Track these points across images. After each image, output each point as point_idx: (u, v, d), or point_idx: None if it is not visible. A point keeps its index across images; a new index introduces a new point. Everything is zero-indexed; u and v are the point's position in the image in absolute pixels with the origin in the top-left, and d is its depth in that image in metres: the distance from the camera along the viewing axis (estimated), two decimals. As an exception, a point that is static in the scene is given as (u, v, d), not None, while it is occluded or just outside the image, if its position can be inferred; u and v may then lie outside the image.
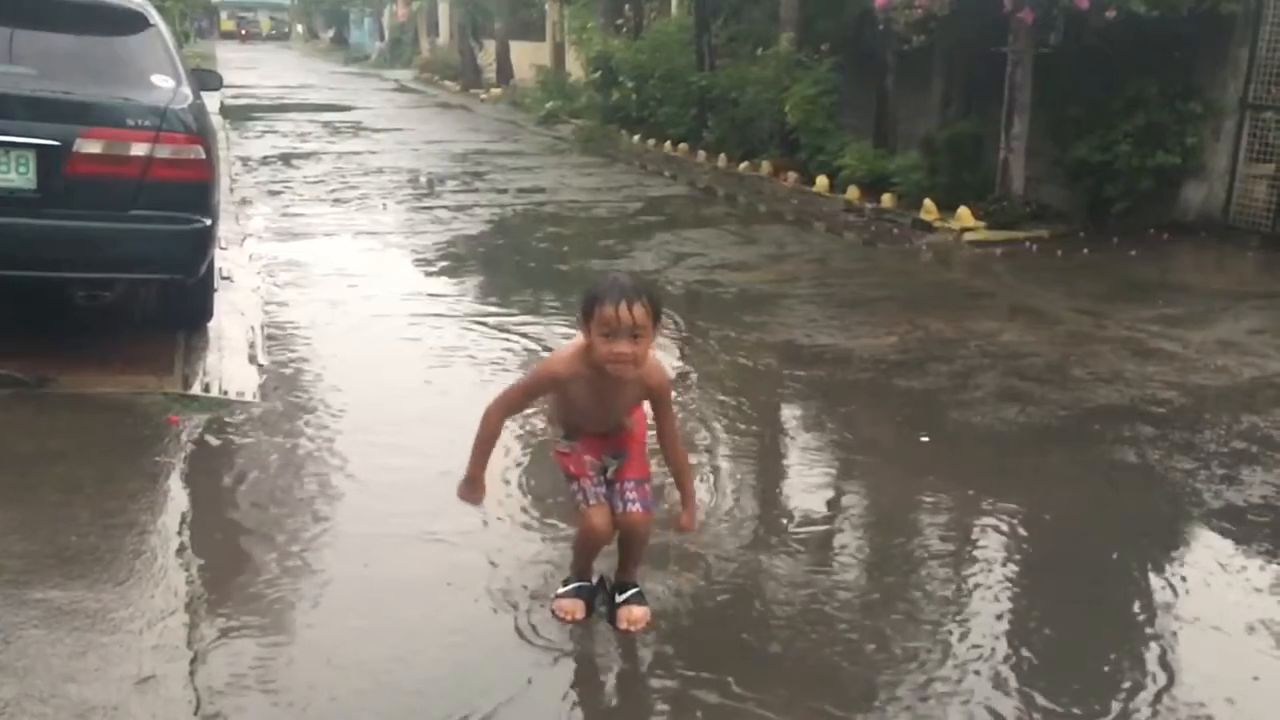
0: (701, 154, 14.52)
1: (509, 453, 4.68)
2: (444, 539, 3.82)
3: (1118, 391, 5.69)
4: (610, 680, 3.12)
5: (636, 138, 16.39)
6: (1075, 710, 3.00)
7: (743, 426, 5.13)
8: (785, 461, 4.89)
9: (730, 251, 9.25)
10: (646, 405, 3.39)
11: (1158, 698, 3.06)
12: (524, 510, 4.11)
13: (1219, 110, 9.69)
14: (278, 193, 11.58)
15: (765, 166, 13.04)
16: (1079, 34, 9.67)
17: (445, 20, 35.26)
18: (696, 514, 3.60)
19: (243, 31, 58.92)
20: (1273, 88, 9.41)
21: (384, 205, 11.13)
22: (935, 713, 2.96)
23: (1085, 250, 9.37)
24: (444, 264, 8.47)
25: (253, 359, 5.77)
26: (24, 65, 5.15)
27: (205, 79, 6.73)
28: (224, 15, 58.52)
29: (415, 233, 9.69)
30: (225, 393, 5.19)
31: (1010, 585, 3.72)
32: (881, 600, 3.56)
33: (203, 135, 5.29)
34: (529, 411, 5.17)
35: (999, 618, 3.48)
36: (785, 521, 4.15)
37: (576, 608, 3.36)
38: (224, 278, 6.99)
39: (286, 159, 14.20)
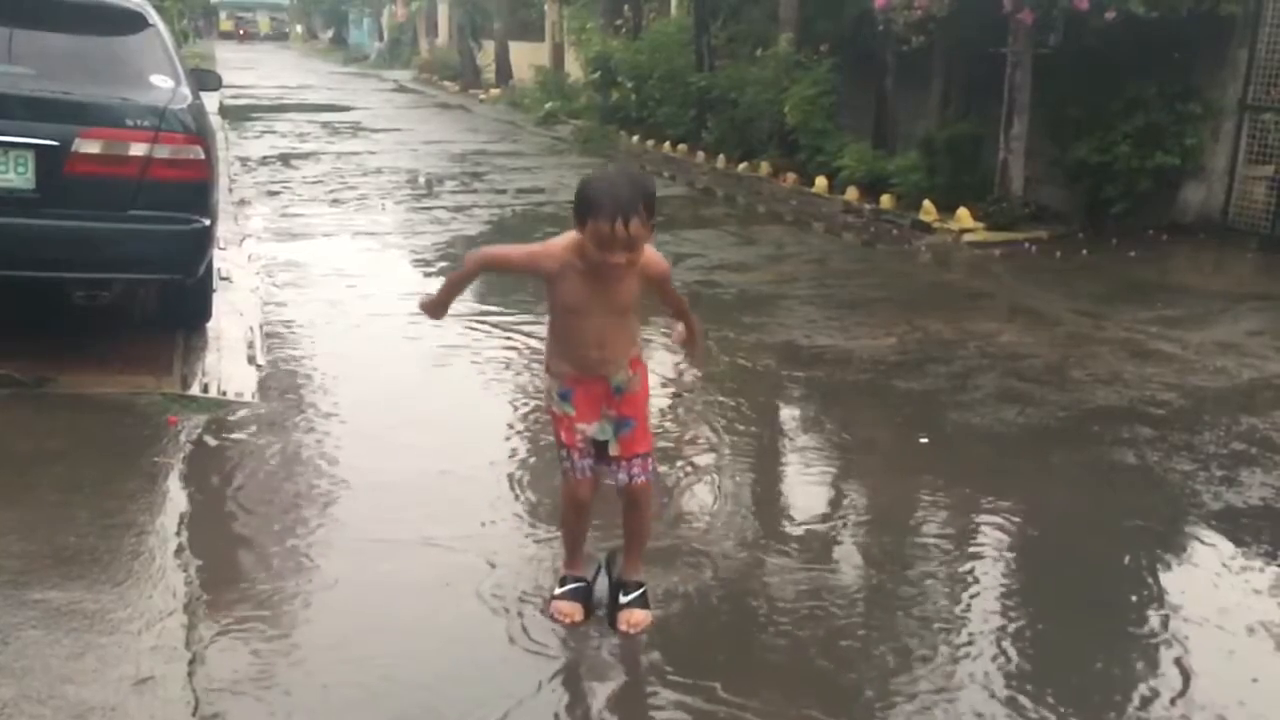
0: (700, 154, 14.52)
1: (509, 451, 4.68)
2: (443, 540, 3.81)
3: (1117, 393, 5.69)
4: (612, 684, 3.11)
5: (635, 138, 16.38)
6: (1074, 712, 2.99)
7: (741, 427, 5.12)
8: (784, 463, 4.88)
9: (729, 252, 9.24)
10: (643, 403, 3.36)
11: (1156, 699, 3.05)
12: (523, 513, 4.11)
13: (1218, 111, 9.69)
14: (276, 193, 11.58)
15: (764, 167, 13.04)
16: (1078, 35, 9.68)
17: (444, 20, 35.25)
18: (702, 348, 3.57)
19: (241, 31, 58.94)
20: (1272, 89, 9.41)
21: (383, 206, 11.13)
22: (933, 713, 2.96)
23: (1084, 251, 9.37)
24: (443, 264, 8.46)
25: (251, 359, 5.77)
26: (23, 65, 5.15)
27: (204, 79, 6.73)
28: (223, 15, 58.50)
29: (414, 233, 9.68)
30: (224, 393, 5.18)
31: (1009, 586, 3.72)
32: (880, 601, 3.56)
33: (202, 135, 5.28)
34: (529, 410, 5.18)
35: (997, 619, 3.47)
36: (784, 522, 4.14)
37: (574, 610, 3.33)
38: (223, 278, 6.98)
39: (285, 159, 14.19)
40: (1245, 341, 6.72)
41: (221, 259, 7.15)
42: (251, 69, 31.96)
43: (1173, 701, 3.04)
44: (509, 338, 6.38)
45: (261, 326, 6.42)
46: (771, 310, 7.32)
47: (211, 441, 4.60)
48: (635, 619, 3.30)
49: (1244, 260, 9.28)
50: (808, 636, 3.33)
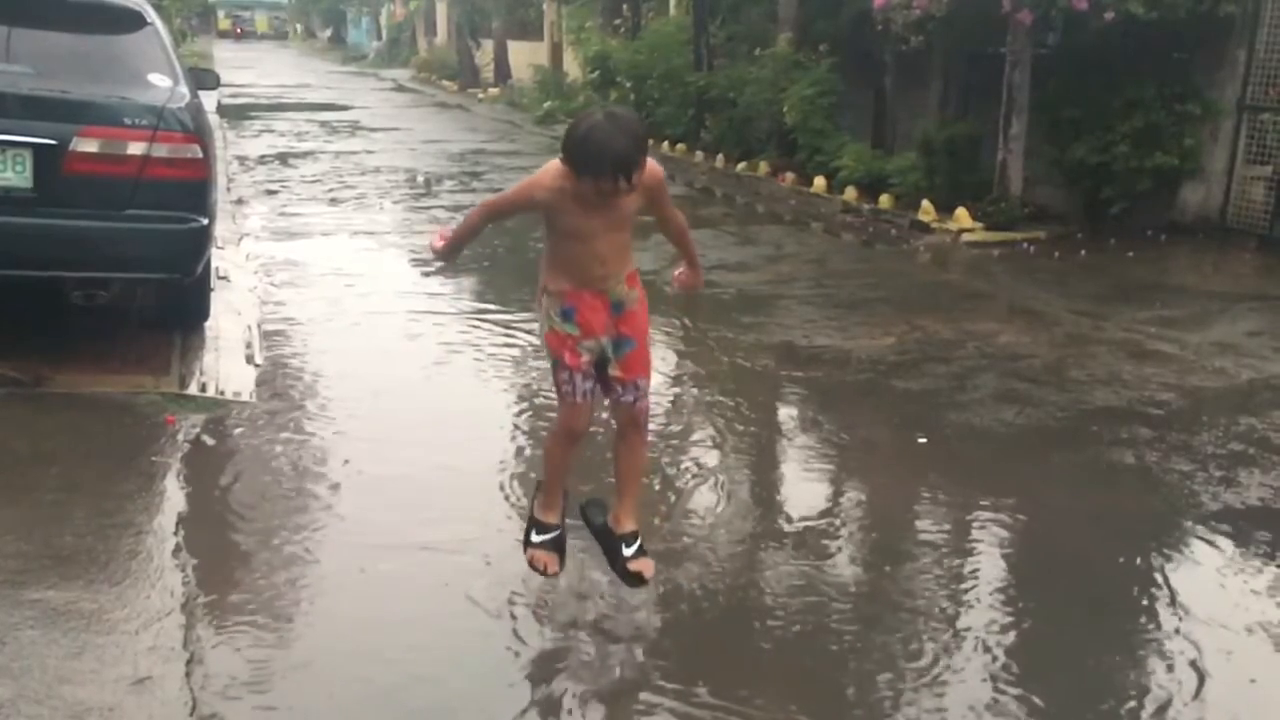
0: (699, 154, 14.52)
1: (509, 450, 4.68)
2: (442, 539, 3.81)
3: (1115, 393, 5.69)
4: (613, 683, 3.11)
5: (634, 138, 16.36)
6: (1072, 711, 2.99)
7: (740, 427, 5.12)
8: (783, 463, 4.88)
9: (728, 252, 9.24)
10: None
11: (1155, 700, 3.05)
12: (523, 512, 4.10)
13: (1217, 112, 9.69)
14: (275, 192, 11.57)
15: (763, 167, 13.04)
16: (1077, 35, 9.68)
17: (443, 20, 35.22)
18: (700, 272, 3.53)
19: (238, 30, 58.97)
20: (1270, 89, 9.40)
21: (381, 205, 11.12)
22: (931, 712, 2.96)
23: (1083, 251, 9.37)
24: (441, 263, 8.44)
25: (250, 359, 5.76)
26: (21, 64, 5.14)
27: (202, 78, 6.72)
28: (221, 14, 58.50)
29: (413, 232, 9.67)
30: (222, 393, 5.17)
31: (1007, 586, 3.72)
32: (878, 600, 3.56)
33: (200, 134, 5.27)
34: (529, 408, 5.17)
35: (995, 619, 3.47)
36: (782, 522, 4.14)
37: (552, 561, 3.32)
38: (221, 277, 6.97)
39: (284, 158, 14.18)
40: (1244, 342, 6.72)
41: (219, 258, 7.14)
42: (250, 68, 31.93)
43: (1171, 702, 3.04)
44: (510, 335, 6.37)
45: (259, 326, 6.41)
46: (770, 310, 7.31)
47: (209, 441, 4.60)
48: (647, 567, 3.29)
49: (1242, 260, 9.28)
50: (806, 636, 3.32)
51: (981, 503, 4.32)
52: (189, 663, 3.00)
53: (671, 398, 5.49)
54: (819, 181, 11.94)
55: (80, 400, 4.87)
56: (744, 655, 3.24)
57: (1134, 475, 4.68)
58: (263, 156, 14.23)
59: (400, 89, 28.92)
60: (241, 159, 13.82)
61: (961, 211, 9.96)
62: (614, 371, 3.21)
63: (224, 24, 58.83)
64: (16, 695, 2.78)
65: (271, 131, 17.25)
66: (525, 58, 25.52)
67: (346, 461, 4.49)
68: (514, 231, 10.09)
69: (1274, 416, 5.38)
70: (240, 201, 10.77)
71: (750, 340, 6.55)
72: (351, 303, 7.13)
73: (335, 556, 3.69)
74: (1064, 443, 5.05)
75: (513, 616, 3.35)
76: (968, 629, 3.39)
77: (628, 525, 3.33)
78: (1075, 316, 7.27)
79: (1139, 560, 3.91)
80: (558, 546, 3.36)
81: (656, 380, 5.58)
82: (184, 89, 5.42)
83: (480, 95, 25.45)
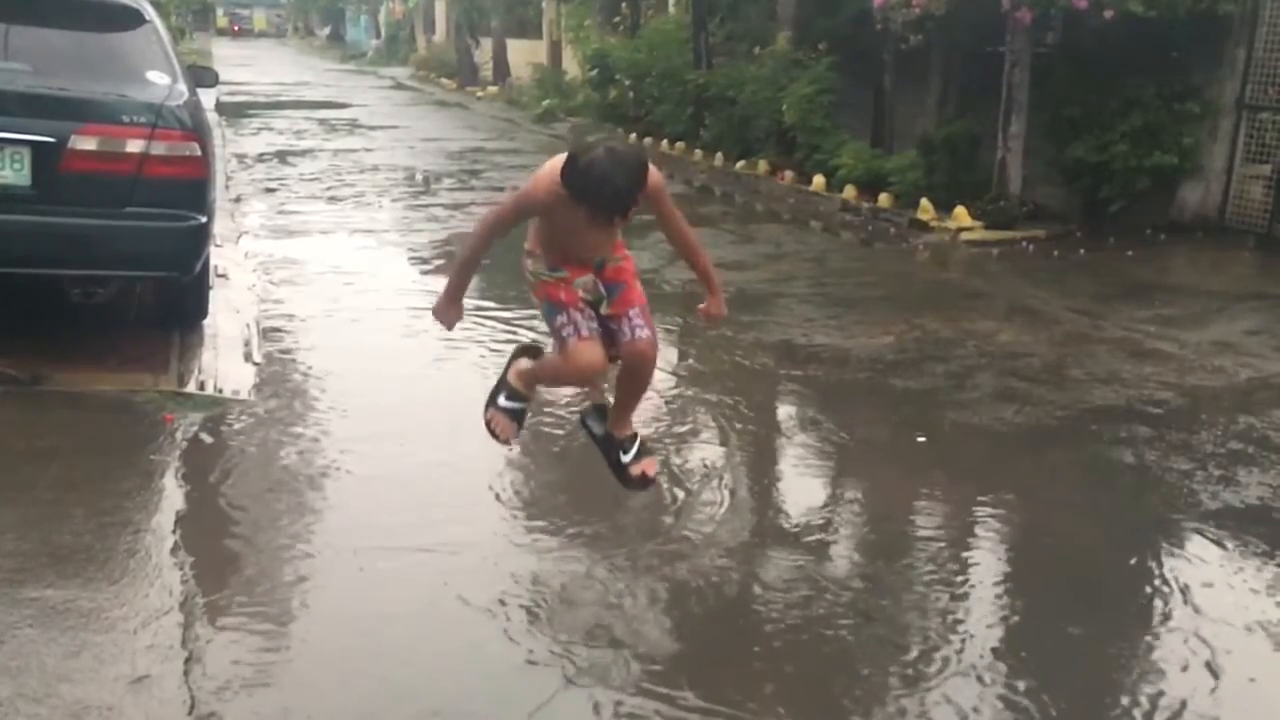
0: (698, 152, 14.51)
1: (509, 448, 4.67)
2: (441, 538, 3.81)
3: (1114, 392, 5.68)
4: (615, 683, 3.11)
5: (633, 136, 16.35)
6: (1069, 710, 2.99)
7: (739, 426, 5.12)
8: (781, 462, 4.88)
9: (727, 250, 9.23)
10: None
11: (1153, 699, 3.05)
12: (523, 511, 4.10)
13: (1216, 111, 9.69)
14: (273, 190, 11.56)
15: (762, 165, 13.03)
16: (1077, 34, 9.67)
17: (441, 18, 35.18)
18: (722, 298, 3.32)
19: (235, 27, 58.96)
20: (1269, 88, 9.40)
21: (380, 203, 11.11)
22: (929, 710, 2.96)
23: (1082, 250, 9.37)
24: (440, 262, 8.45)
25: (248, 357, 5.76)
26: (19, 61, 5.13)
27: (201, 76, 6.71)
28: (220, 11, 58.47)
29: (412, 230, 9.67)
30: (220, 391, 5.17)
31: (1005, 585, 3.72)
32: (877, 599, 3.55)
33: (198, 132, 5.26)
34: (532, 407, 5.16)
35: (993, 617, 3.47)
36: (781, 521, 4.14)
37: (510, 429, 3.28)
38: (219, 275, 6.96)
39: (282, 156, 14.17)
40: (1242, 341, 6.72)
41: (218, 256, 7.14)
42: (248, 65, 31.89)
43: (1170, 701, 3.04)
44: (511, 332, 6.36)
45: (258, 324, 6.40)
46: (769, 309, 7.31)
47: (208, 439, 4.59)
48: (649, 467, 3.26)
49: (1241, 259, 9.28)
50: (806, 635, 3.32)
51: (980, 501, 4.32)
52: (187, 661, 3.00)
53: (670, 396, 5.49)
54: (818, 180, 11.93)
55: (78, 398, 4.87)
56: (743, 655, 3.24)
57: (1133, 474, 4.68)
58: (261, 154, 14.22)
59: (399, 87, 28.89)
60: (240, 157, 13.81)
61: (960, 210, 9.95)
62: (607, 310, 3.14)
63: (222, 21, 58.80)
64: (15, 694, 2.77)
65: (270, 129, 17.24)
66: (524, 56, 25.50)
67: (345, 459, 4.48)
68: (513, 230, 10.09)
69: (1272, 415, 5.38)
70: (239, 199, 10.76)
71: (749, 339, 6.55)
72: (350, 300, 7.13)
73: (334, 555, 3.69)
74: (1063, 441, 5.05)
75: (508, 617, 3.35)
76: (967, 628, 3.39)
77: (625, 430, 3.26)
78: (1074, 315, 7.27)
79: (1137, 559, 3.91)
80: (519, 418, 3.29)
81: (656, 379, 5.59)
82: (182, 87, 5.41)
83: (479, 93, 25.44)
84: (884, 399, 5.62)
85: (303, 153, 14.61)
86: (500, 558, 3.68)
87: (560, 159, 2.90)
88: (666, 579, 3.59)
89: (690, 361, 6.15)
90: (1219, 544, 4.02)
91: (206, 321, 6.05)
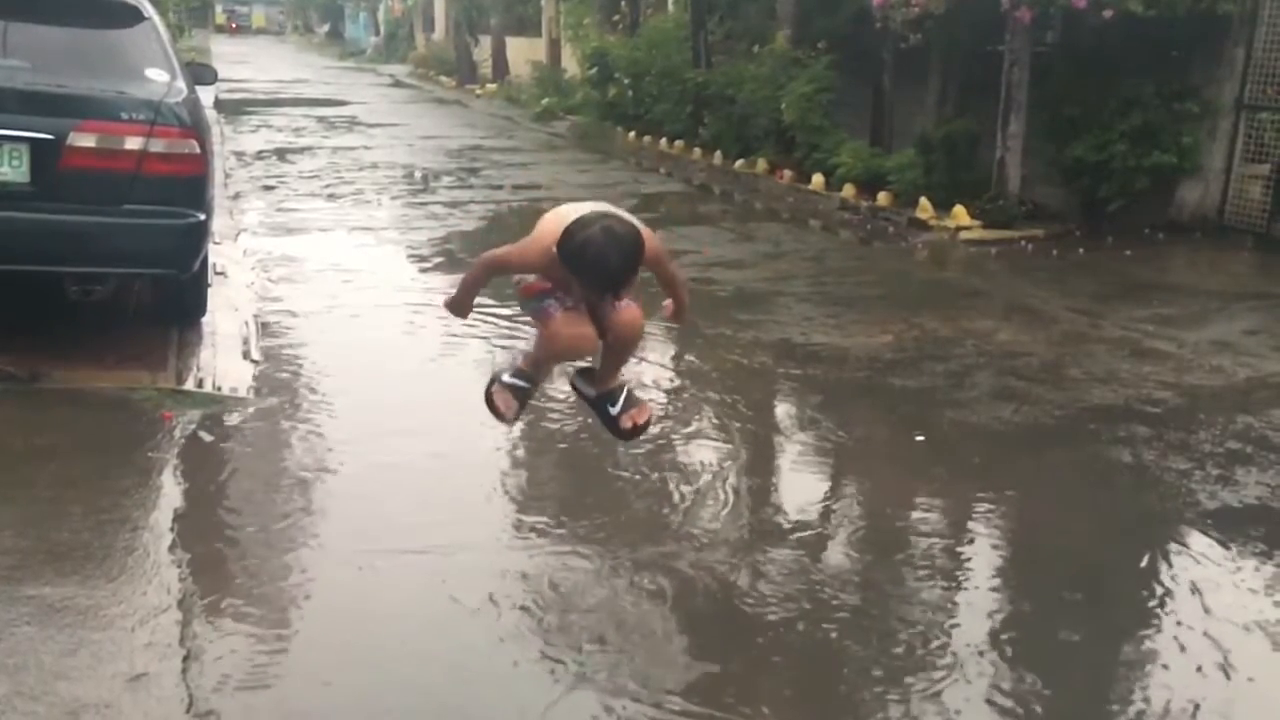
0: (697, 151, 14.49)
1: (509, 446, 4.67)
2: (440, 537, 3.80)
3: (1113, 391, 5.69)
4: (615, 682, 3.11)
5: (632, 134, 16.36)
6: (1068, 710, 2.99)
7: (737, 425, 5.12)
8: (780, 460, 4.88)
9: (726, 249, 9.23)
10: None
11: (1152, 698, 3.05)
12: (522, 510, 4.10)
13: (1215, 110, 9.68)
14: (272, 188, 11.55)
15: (761, 164, 13.02)
16: (1076, 33, 9.67)
17: (441, 16, 35.15)
18: (684, 316, 3.25)
19: (233, 25, 58.97)
20: (1268, 88, 9.40)
21: (379, 201, 11.11)
22: (927, 709, 2.96)
23: (1081, 250, 9.37)
24: (439, 260, 8.45)
25: (247, 354, 5.75)
26: (18, 58, 5.12)
27: (200, 73, 6.70)
28: (219, 8, 58.44)
29: (410, 228, 9.66)
30: (219, 388, 5.17)
31: (1003, 584, 3.72)
32: (874, 599, 3.56)
33: (197, 129, 5.26)
34: (532, 407, 5.16)
35: (991, 617, 3.47)
36: (779, 520, 4.14)
37: (512, 406, 3.19)
38: (218, 273, 6.96)
39: (281, 154, 14.16)
40: (1241, 340, 6.72)
41: (217, 254, 7.13)
42: (247, 63, 31.87)
43: (1169, 700, 3.04)
44: (513, 331, 6.35)
45: (257, 321, 6.40)
46: (768, 307, 7.31)
47: (206, 437, 4.59)
48: (639, 415, 3.20)
49: (1240, 259, 9.28)
50: (804, 634, 3.32)
51: (978, 500, 4.32)
52: (185, 659, 2.99)
53: (669, 395, 5.48)
54: (817, 179, 11.92)
55: (77, 396, 4.86)
56: (744, 655, 3.24)
57: (1131, 473, 4.68)
58: (260, 152, 14.21)
59: (398, 85, 28.88)
60: (239, 154, 13.80)
61: (959, 209, 9.95)
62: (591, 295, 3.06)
63: (220, 19, 58.78)
64: (12, 692, 2.77)
65: (269, 127, 17.23)
66: (523, 54, 25.48)
67: (344, 457, 4.48)
68: (512, 227, 10.09)
69: (1271, 415, 5.38)
70: (237, 197, 10.76)
71: (748, 338, 6.55)
72: (349, 298, 7.12)
73: (332, 552, 3.69)
74: (1061, 441, 5.05)
75: (506, 617, 3.34)
76: (966, 627, 3.39)
77: (610, 383, 3.22)
78: (1073, 314, 7.27)
79: (1135, 558, 3.91)
80: (523, 398, 3.23)
81: (655, 377, 5.59)
82: (181, 84, 5.41)
83: (478, 91, 25.42)
84: (882, 398, 5.62)
85: (301, 150, 14.60)
86: (499, 557, 3.68)
87: (559, 220, 2.84)
88: (667, 578, 3.58)
89: (689, 360, 6.14)
90: (1217, 543, 4.02)
91: (205, 319, 6.04)
